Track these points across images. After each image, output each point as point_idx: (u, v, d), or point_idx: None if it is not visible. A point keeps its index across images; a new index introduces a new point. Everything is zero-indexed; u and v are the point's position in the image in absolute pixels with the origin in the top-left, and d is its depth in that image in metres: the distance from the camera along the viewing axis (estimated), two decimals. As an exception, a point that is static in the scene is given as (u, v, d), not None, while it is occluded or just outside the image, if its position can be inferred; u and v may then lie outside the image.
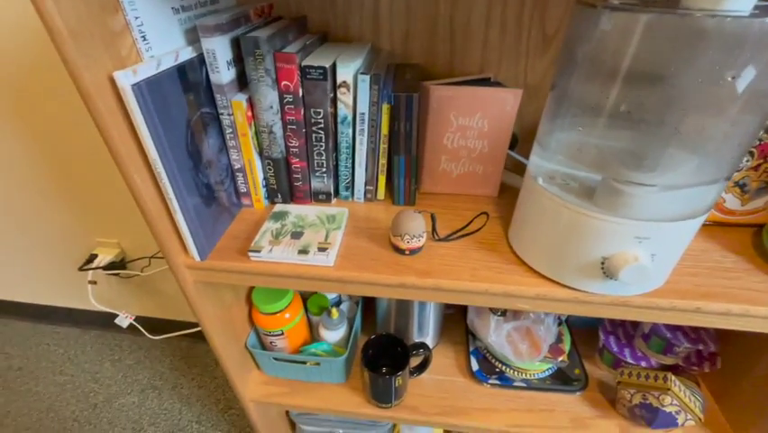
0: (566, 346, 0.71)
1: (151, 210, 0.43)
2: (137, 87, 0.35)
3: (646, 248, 0.38)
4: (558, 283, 0.44)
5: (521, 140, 0.64)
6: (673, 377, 0.60)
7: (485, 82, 0.56)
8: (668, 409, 0.59)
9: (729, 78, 0.30)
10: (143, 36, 0.39)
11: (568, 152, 0.41)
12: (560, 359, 0.69)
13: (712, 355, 0.64)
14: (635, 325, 0.71)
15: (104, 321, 1.30)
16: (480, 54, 0.58)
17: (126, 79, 0.35)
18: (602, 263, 0.40)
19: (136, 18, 0.38)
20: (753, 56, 0.29)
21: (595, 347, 0.76)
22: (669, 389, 0.59)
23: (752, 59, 0.29)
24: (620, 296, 0.43)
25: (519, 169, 0.64)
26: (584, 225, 0.39)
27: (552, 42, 0.55)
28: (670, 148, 0.36)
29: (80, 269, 1.05)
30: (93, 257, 1.07)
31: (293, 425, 0.93)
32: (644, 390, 0.61)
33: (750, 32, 0.28)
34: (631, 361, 0.68)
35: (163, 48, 0.42)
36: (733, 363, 0.64)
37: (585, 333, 0.78)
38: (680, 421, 0.60)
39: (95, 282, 1.07)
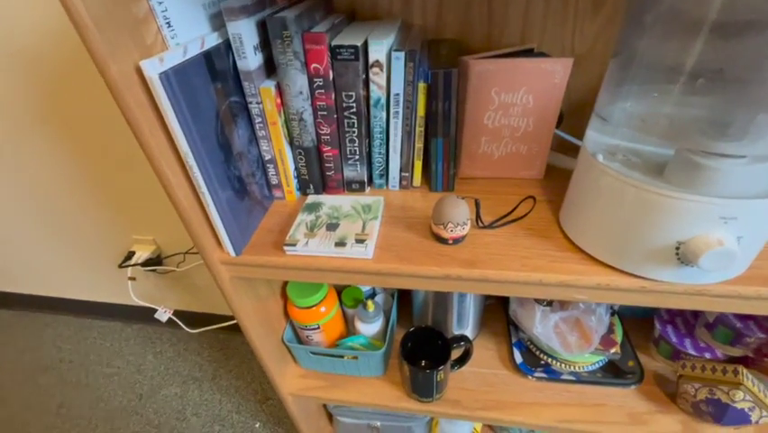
0: (618, 337, 0.66)
1: (185, 206, 0.41)
2: (164, 76, 0.34)
3: (732, 230, 0.33)
4: (621, 271, 0.40)
5: (567, 116, 0.59)
6: (745, 371, 0.54)
7: (528, 53, 0.51)
8: (740, 406, 0.54)
9: None
10: (168, 22, 0.37)
11: (636, 123, 0.37)
12: (612, 351, 0.65)
13: (790, 346, 0.58)
14: (696, 314, 0.66)
15: (144, 315, 1.34)
16: (522, 23, 0.53)
17: (153, 68, 0.33)
18: (677, 248, 0.35)
19: (160, 3, 0.36)
20: None
21: (649, 338, 0.70)
22: (741, 383, 0.54)
23: None
24: (696, 284, 0.38)
25: (564, 148, 0.59)
26: (655, 205, 0.35)
27: (603, 4, 0.50)
28: (762, 111, 0.31)
29: (120, 266, 1.08)
30: (131, 254, 1.09)
31: (330, 416, 0.93)
32: (712, 384, 0.56)
33: None
34: (693, 352, 0.62)
35: (189, 34, 0.40)
36: (815, 355, 0.57)
37: (638, 323, 0.72)
38: (753, 418, 0.55)
39: (134, 279, 1.10)
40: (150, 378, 1.24)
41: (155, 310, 1.14)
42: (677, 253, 0.35)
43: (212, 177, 0.41)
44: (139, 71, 0.34)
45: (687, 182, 0.33)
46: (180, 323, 1.14)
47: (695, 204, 0.33)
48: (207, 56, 0.40)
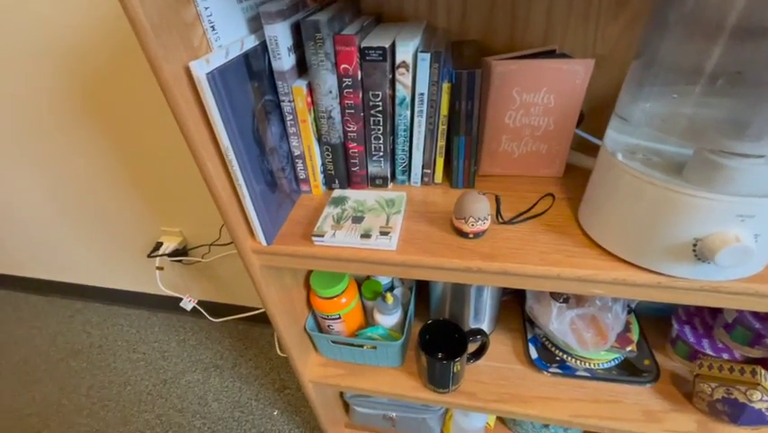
0: (635, 336, 0.67)
1: (222, 197, 0.44)
2: (211, 76, 0.36)
3: (750, 227, 0.34)
4: (638, 267, 0.41)
5: (588, 116, 0.60)
6: (764, 371, 0.54)
7: (550, 54, 0.53)
8: (757, 406, 0.54)
9: None
10: (212, 26, 0.40)
11: (656, 124, 0.38)
12: (628, 349, 0.65)
13: (810, 349, 0.58)
14: (714, 313, 0.66)
15: (169, 304, 1.40)
16: (544, 24, 0.54)
17: (201, 69, 0.36)
18: (694, 245, 0.36)
19: (206, 9, 0.39)
20: None
21: (666, 337, 0.71)
22: (759, 384, 0.54)
23: None
24: (712, 281, 0.39)
25: (584, 147, 0.60)
26: (673, 202, 0.36)
27: (626, 5, 0.51)
28: (782, 113, 0.32)
29: (149, 256, 1.13)
30: (159, 245, 1.15)
31: (347, 406, 0.96)
32: (729, 384, 0.56)
33: None
34: (711, 353, 0.62)
35: (230, 37, 0.43)
36: (836, 358, 0.57)
37: (655, 321, 0.73)
38: (771, 419, 0.55)
39: (161, 268, 1.15)
40: (174, 364, 1.29)
41: (180, 299, 1.19)
42: (694, 250, 0.37)
43: (248, 170, 0.44)
44: (187, 71, 0.37)
45: (705, 181, 0.35)
46: (204, 312, 1.19)
47: (713, 202, 0.34)
48: (246, 57, 0.43)
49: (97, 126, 0.96)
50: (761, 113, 0.32)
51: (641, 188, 0.38)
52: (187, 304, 1.18)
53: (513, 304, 0.80)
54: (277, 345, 1.28)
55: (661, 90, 0.36)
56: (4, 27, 0.82)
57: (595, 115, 0.60)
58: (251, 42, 0.44)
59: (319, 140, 0.54)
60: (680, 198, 0.35)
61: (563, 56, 0.52)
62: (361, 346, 0.69)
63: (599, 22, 0.52)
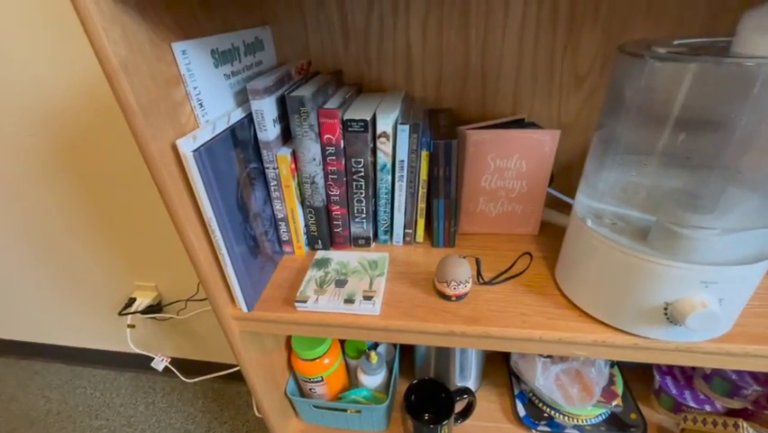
0: (619, 389, 0.67)
1: (203, 265, 0.44)
2: (197, 153, 0.37)
3: (714, 293, 0.36)
4: (616, 329, 0.42)
5: (557, 176, 0.63)
6: (745, 424, 0.55)
7: (519, 123, 0.57)
8: (743, 461, 0.54)
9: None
10: (200, 103, 0.42)
11: (617, 193, 0.41)
12: (614, 403, 0.65)
13: (786, 399, 0.59)
14: (693, 364, 0.67)
15: (139, 363, 1.32)
16: (512, 96, 0.59)
17: (187, 146, 0.37)
18: (665, 309, 0.38)
19: (195, 88, 0.41)
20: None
21: (650, 388, 0.71)
22: (742, 438, 0.54)
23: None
24: (685, 342, 0.40)
25: (556, 204, 0.63)
26: (641, 269, 0.38)
27: (584, 82, 0.56)
28: (728, 189, 0.35)
29: (120, 313, 1.08)
30: (132, 301, 1.10)
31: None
32: (714, 438, 0.57)
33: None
34: (693, 405, 0.63)
35: (216, 111, 0.45)
36: (811, 408, 0.58)
37: (638, 373, 0.74)
38: (758, 474, 0.55)
39: (133, 326, 1.09)
40: (140, 431, 1.19)
41: (151, 359, 1.12)
42: (665, 313, 0.38)
43: (231, 238, 0.44)
44: (174, 148, 0.38)
45: (668, 249, 0.37)
46: (176, 371, 1.12)
47: (677, 270, 0.36)
48: (233, 130, 0.44)
49: (72, 181, 0.94)
50: (710, 189, 0.35)
51: (610, 254, 0.40)
52: (159, 364, 1.11)
53: (498, 358, 0.80)
54: (255, 406, 1.20)
55: (621, 162, 0.39)
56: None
57: (566, 174, 0.64)
58: (237, 116, 0.46)
59: (302, 203, 0.55)
60: (646, 264, 0.37)
61: (533, 125, 0.56)
62: (345, 411, 0.66)
63: (562, 94, 0.57)
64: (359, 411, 0.66)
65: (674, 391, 0.65)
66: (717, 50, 0.32)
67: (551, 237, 0.58)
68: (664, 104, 0.32)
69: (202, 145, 0.39)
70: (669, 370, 0.68)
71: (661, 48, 0.34)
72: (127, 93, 0.33)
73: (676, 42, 0.37)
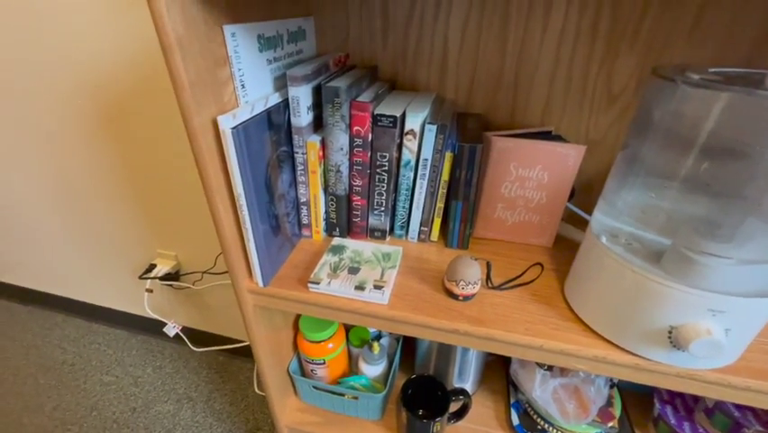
0: (617, 411, 0.67)
1: (228, 237, 0.47)
2: (235, 131, 0.40)
3: (721, 322, 0.36)
4: (619, 347, 0.43)
5: (578, 192, 0.64)
6: (742, 463, 0.54)
7: (546, 135, 0.57)
8: (736, 499, 0.54)
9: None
10: (242, 84, 0.44)
11: (636, 214, 0.41)
12: (609, 425, 0.65)
13: (789, 443, 0.58)
14: (696, 397, 0.66)
15: (152, 327, 1.38)
16: (543, 107, 0.59)
17: (227, 123, 0.40)
18: (669, 332, 0.38)
19: (239, 69, 0.43)
20: None
21: (649, 415, 0.71)
22: (737, 476, 0.54)
23: None
24: (688, 368, 0.40)
25: (574, 220, 0.63)
26: (650, 290, 0.38)
27: (617, 101, 0.56)
28: (749, 220, 0.35)
29: (140, 277, 1.13)
30: (152, 267, 1.15)
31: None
32: (708, 473, 0.56)
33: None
34: (691, 437, 0.62)
35: (256, 93, 0.47)
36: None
37: (638, 398, 0.73)
38: None
39: (151, 291, 1.14)
40: (146, 392, 1.24)
41: (164, 324, 1.17)
42: (669, 337, 0.38)
43: (256, 214, 0.46)
44: (214, 124, 0.41)
45: (680, 273, 0.37)
46: (186, 339, 1.17)
47: (687, 295, 0.36)
48: (269, 113, 0.47)
49: (109, 146, 0.99)
50: (730, 219, 0.35)
51: (621, 272, 0.40)
52: (171, 330, 1.16)
53: (498, 366, 0.80)
54: (255, 382, 1.24)
55: (642, 183, 0.39)
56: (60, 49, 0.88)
57: (586, 191, 0.64)
58: (274, 100, 0.48)
59: (326, 190, 0.57)
60: (656, 286, 0.38)
61: (559, 138, 0.56)
62: (343, 395, 0.68)
63: (593, 110, 0.58)
64: (356, 397, 0.68)
65: (673, 421, 0.64)
66: (751, 81, 0.32)
67: (564, 251, 0.58)
68: (692, 130, 0.33)
69: (240, 124, 0.41)
70: (670, 399, 0.68)
71: (695, 74, 0.34)
72: (179, 67, 0.36)
73: (711, 70, 0.37)
